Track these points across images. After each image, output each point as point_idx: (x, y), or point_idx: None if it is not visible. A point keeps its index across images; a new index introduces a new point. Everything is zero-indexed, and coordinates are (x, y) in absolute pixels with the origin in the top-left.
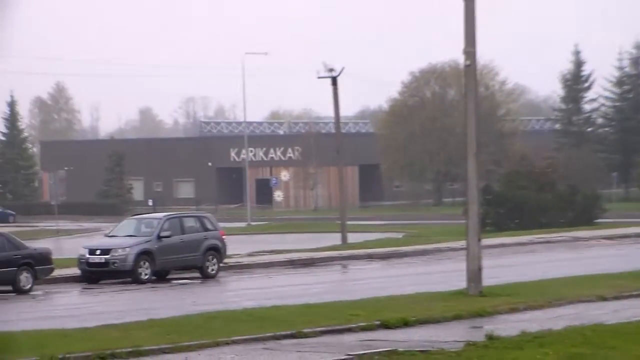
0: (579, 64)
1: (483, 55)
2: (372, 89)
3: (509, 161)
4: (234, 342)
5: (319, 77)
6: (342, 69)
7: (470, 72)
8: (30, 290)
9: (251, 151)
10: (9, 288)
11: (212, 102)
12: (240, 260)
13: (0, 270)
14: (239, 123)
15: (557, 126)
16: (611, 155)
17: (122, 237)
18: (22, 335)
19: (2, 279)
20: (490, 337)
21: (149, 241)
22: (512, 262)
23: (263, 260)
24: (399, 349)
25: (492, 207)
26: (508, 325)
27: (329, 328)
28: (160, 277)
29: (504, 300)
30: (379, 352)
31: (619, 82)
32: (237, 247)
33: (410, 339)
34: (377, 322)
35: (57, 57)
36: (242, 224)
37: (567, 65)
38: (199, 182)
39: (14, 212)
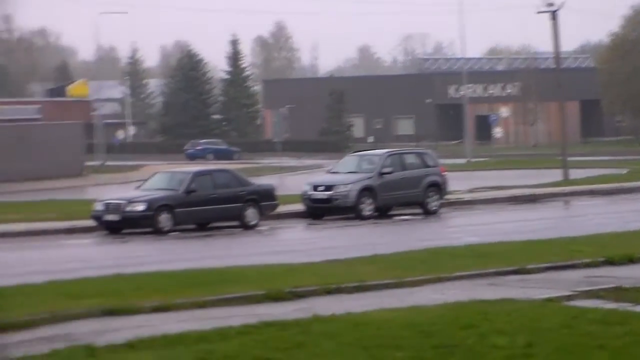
0: None
1: None
2: (592, 23)
3: None
4: (458, 278)
5: (538, 12)
6: (563, 3)
7: None
8: (256, 225)
9: (470, 87)
10: (236, 223)
11: (430, 39)
12: (460, 196)
13: (227, 206)
14: (458, 59)
15: None
16: None
17: (344, 173)
18: (251, 269)
19: (229, 215)
20: None
21: (370, 178)
22: None
23: (484, 197)
24: (624, 285)
25: None
26: None
27: (553, 264)
28: (382, 213)
29: None
30: (604, 289)
31: None
32: (457, 183)
33: (635, 276)
34: (601, 259)
35: None
36: (462, 161)
37: None
38: (419, 119)
39: (238, 149)
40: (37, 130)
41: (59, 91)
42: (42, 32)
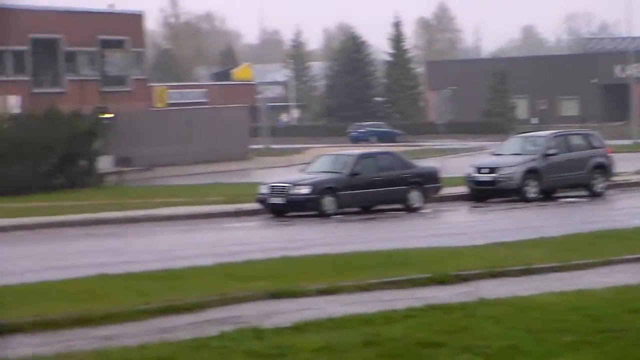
0: None
1: None
2: None
3: None
4: (626, 261)
5: None
6: None
7: None
8: (419, 208)
9: (636, 67)
10: (400, 206)
11: (595, 18)
12: (627, 178)
13: (391, 188)
14: (623, 39)
15: None
16: None
17: (508, 155)
18: (415, 252)
19: (393, 197)
20: None
21: (535, 159)
22: None
23: None
24: None
25: None
26: None
27: None
28: (547, 195)
29: None
30: None
31: None
32: (623, 164)
33: None
34: None
35: None
36: (628, 142)
37: None
38: (583, 100)
39: (401, 132)
40: (203, 114)
41: (224, 75)
42: (208, 17)
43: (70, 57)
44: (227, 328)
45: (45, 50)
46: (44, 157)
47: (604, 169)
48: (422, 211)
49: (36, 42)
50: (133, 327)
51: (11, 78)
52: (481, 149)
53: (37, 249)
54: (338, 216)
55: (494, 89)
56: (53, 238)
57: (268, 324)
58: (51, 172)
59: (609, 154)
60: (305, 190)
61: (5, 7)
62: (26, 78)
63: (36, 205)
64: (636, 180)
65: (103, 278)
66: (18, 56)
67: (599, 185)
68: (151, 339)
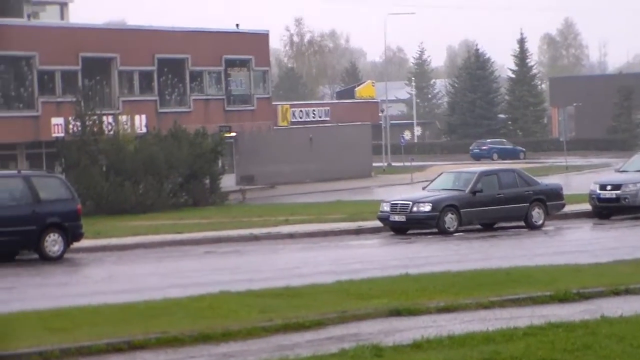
0: None
1: None
2: None
3: None
4: None
5: None
6: None
7: None
8: (542, 225)
9: None
10: (521, 223)
11: None
12: None
13: (513, 206)
14: None
15: None
16: None
17: (633, 172)
18: (537, 270)
19: (514, 215)
20: None
21: None
22: None
23: None
24: None
25: None
26: None
27: None
28: None
29: None
30: None
31: None
32: None
33: None
34: None
35: None
36: None
37: None
38: None
39: (523, 149)
40: (326, 132)
41: (347, 93)
42: (332, 35)
43: (196, 76)
44: (347, 345)
45: (172, 70)
46: (168, 176)
47: None
48: (544, 228)
49: (163, 62)
50: (254, 345)
51: (138, 98)
52: (605, 166)
53: (160, 267)
54: (459, 233)
55: (619, 106)
56: (176, 256)
57: (388, 341)
58: (175, 190)
59: None
60: (426, 208)
61: (133, 28)
62: (153, 98)
63: (160, 223)
64: None
65: (224, 295)
66: (145, 76)
67: None
68: (271, 356)
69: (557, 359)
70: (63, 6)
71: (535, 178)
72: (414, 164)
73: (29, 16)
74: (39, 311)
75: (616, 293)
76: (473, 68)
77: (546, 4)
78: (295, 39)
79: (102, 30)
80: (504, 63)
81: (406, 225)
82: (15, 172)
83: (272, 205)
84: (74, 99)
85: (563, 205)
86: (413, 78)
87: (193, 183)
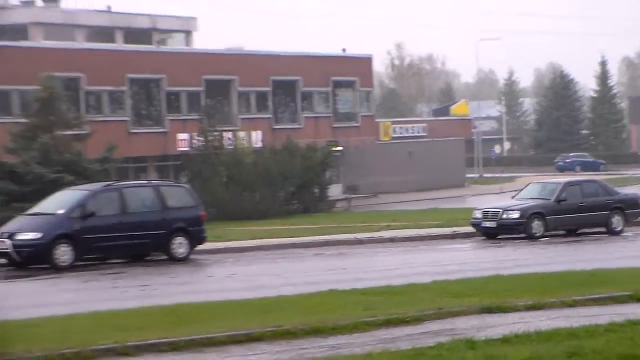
0: None
1: None
2: None
3: None
4: None
5: None
6: None
7: None
8: (621, 231)
9: None
10: (602, 229)
11: None
12: None
13: (595, 213)
14: None
15: None
16: None
17: None
18: (617, 272)
19: (596, 222)
20: None
21: None
22: None
23: None
24: None
25: None
26: None
27: None
28: None
29: None
30: None
31: None
32: None
33: None
34: None
35: None
36: None
37: None
38: None
39: (604, 162)
40: (423, 146)
41: (443, 111)
42: (429, 58)
43: (307, 96)
44: (443, 339)
45: (285, 90)
46: (282, 186)
47: None
48: (624, 234)
49: (277, 84)
50: (359, 338)
51: (255, 115)
52: None
53: (275, 267)
54: (545, 239)
55: None
56: (288, 257)
57: (480, 336)
58: (288, 198)
59: None
60: (515, 215)
61: (250, 53)
62: (268, 115)
63: (274, 228)
64: None
65: (333, 293)
66: (261, 96)
67: None
68: (375, 348)
69: (637, 354)
70: (188, 34)
71: (614, 188)
72: (503, 175)
73: (157, 43)
74: (165, 306)
75: None
76: (558, 88)
77: (625, 30)
78: (396, 62)
79: (222, 55)
80: (586, 83)
81: (496, 231)
82: (146, 182)
83: (375, 213)
84: (198, 117)
85: None
86: (503, 97)
87: (304, 192)
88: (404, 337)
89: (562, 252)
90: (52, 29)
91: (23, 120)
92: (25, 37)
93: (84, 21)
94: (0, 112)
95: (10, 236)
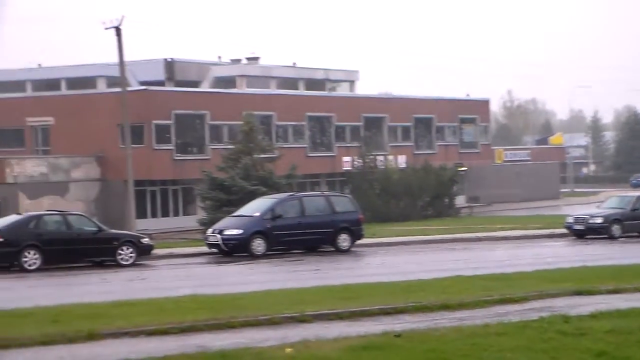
0: None
1: None
2: None
3: None
4: None
5: None
6: None
7: None
8: None
9: None
10: None
11: None
12: None
13: None
14: None
15: None
16: None
17: None
18: None
19: None
20: None
21: None
22: None
23: None
24: None
25: None
26: None
27: None
28: None
29: None
30: None
31: None
32: None
33: None
34: None
35: None
36: None
37: None
38: None
39: None
40: (528, 168)
41: (543, 141)
42: (533, 101)
43: (439, 129)
44: (544, 314)
45: (423, 125)
46: (420, 196)
47: None
48: None
49: (418, 120)
50: (479, 312)
51: (400, 144)
52: None
53: (415, 258)
54: (622, 239)
55: None
56: (425, 251)
57: (572, 312)
58: (424, 206)
59: None
60: (599, 220)
61: (397, 97)
62: (410, 144)
63: (414, 228)
64: None
65: (459, 278)
66: (405, 130)
67: None
68: (491, 320)
69: None
70: (352, 83)
71: None
72: (590, 190)
73: (329, 90)
74: (333, 286)
75: None
76: (633, 123)
77: None
78: (507, 104)
79: (376, 99)
80: None
81: (584, 232)
82: (319, 193)
83: (491, 217)
84: (358, 145)
85: None
86: (589, 131)
87: (436, 201)
88: (513, 312)
89: (636, 249)
90: (253, 80)
91: (230, 146)
92: (233, 85)
93: (276, 74)
94: (215, 141)
95: (220, 232)
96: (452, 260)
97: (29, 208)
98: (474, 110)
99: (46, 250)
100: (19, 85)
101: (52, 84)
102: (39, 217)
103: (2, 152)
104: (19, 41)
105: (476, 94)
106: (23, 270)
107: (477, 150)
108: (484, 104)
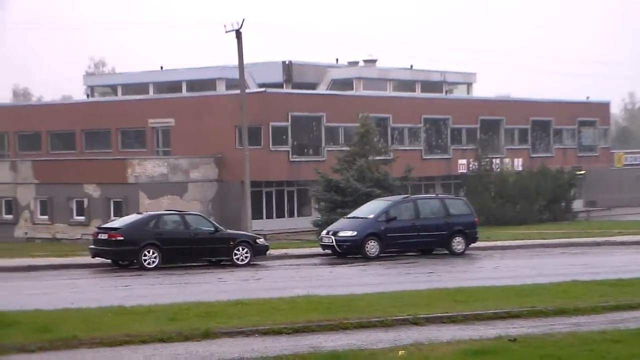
0: None
1: None
2: None
3: None
4: None
5: None
6: None
7: None
8: None
9: None
10: None
11: None
12: None
13: None
14: None
15: None
16: None
17: None
18: None
19: None
20: None
21: None
22: None
23: None
24: None
25: None
26: None
27: None
28: None
29: None
30: None
31: None
32: None
33: None
34: None
35: None
36: None
37: None
38: None
39: None
40: None
41: None
42: None
43: (557, 132)
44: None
45: (541, 128)
46: (536, 200)
47: None
48: None
49: (535, 123)
50: (595, 318)
51: (517, 147)
52: None
53: (531, 262)
54: None
55: None
56: (541, 254)
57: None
58: (541, 210)
59: None
60: None
61: (514, 99)
62: (527, 147)
63: (530, 232)
64: None
65: (575, 283)
66: (522, 132)
67: None
68: (606, 327)
69: None
70: (469, 85)
71: None
72: None
73: (446, 92)
74: (446, 289)
75: None
76: None
77: None
78: (629, 106)
79: (493, 101)
80: None
81: None
82: (434, 195)
83: (609, 222)
84: (474, 147)
85: None
86: None
87: (553, 205)
88: (630, 319)
89: None
90: (370, 82)
91: (346, 148)
92: (350, 88)
93: (393, 76)
94: (331, 143)
95: (334, 233)
96: (569, 265)
97: (148, 208)
98: (593, 113)
99: (165, 249)
100: (142, 88)
101: (174, 86)
102: (158, 217)
103: (125, 153)
104: (143, 45)
105: (596, 97)
106: (142, 268)
107: (595, 154)
108: (604, 106)
